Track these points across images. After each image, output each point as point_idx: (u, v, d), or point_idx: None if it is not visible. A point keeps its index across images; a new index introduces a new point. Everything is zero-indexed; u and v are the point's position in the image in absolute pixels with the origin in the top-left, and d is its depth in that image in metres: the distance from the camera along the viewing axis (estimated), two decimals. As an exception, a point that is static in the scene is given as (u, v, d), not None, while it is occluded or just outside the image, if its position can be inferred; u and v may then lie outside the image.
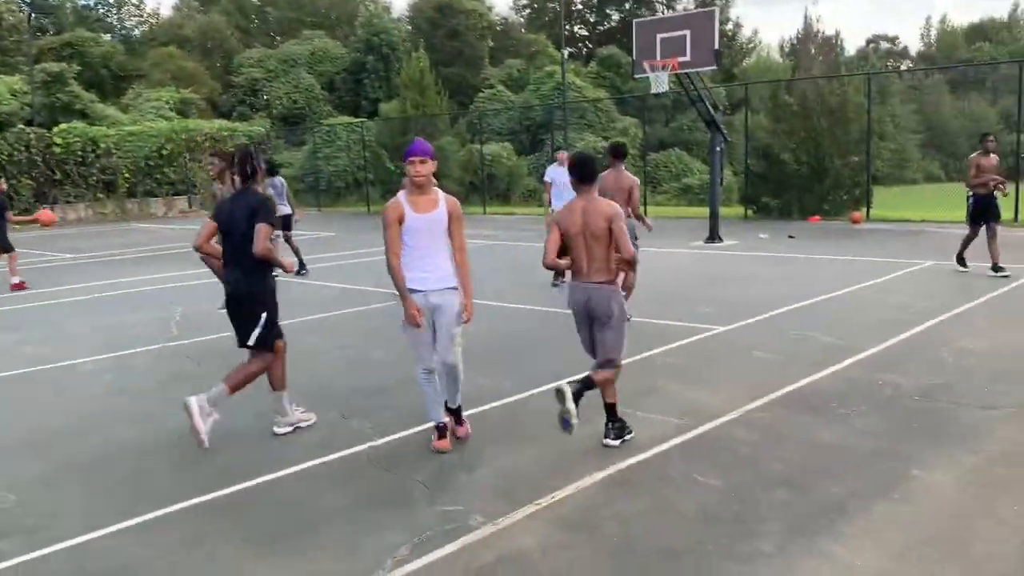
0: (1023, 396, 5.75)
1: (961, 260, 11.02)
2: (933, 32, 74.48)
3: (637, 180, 8.89)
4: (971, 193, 10.89)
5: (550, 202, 11.41)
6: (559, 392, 4.98)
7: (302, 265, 13.02)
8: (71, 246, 20.47)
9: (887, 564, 3.55)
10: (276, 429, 5.63)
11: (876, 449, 4.88)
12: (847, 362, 6.79)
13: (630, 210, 8.46)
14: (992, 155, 10.66)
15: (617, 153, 8.90)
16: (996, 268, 10.50)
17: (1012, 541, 3.71)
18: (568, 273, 5.45)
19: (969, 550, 3.65)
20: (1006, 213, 17.71)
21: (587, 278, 5.14)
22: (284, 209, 12.54)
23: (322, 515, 4.28)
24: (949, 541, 3.74)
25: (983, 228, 10.74)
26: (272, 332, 5.58)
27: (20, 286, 12.86)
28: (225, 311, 5.75)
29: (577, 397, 4.98)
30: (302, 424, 5.73)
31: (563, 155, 12.02)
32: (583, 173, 5.12)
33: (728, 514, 4.10)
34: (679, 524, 4.01)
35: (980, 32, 69.92)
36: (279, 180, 13.31)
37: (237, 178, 5.59)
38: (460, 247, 5.10)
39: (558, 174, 11.04)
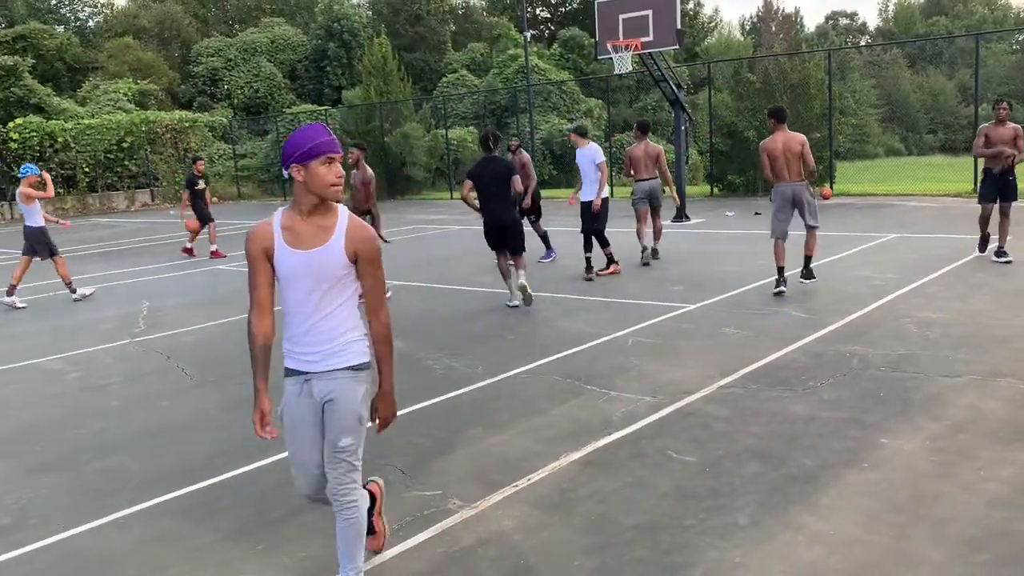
0: (984, 365, 5.89)
1: (982, 243, 10.01)
2: (891, 7, 75.31)
3: (662, 149, 11.50)
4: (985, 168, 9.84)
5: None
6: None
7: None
8: (31, 243, 20.08)
9: (859, 531, 3.63)
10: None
11: (845, 420, 4.97)
12: (815, 336, 6.90)
13: (658, 172, 11.43)
14: (1008, 124, 9.51)
15: (644, 128, 11.59)
16: (999, 252, 9.57)
17: (976, 504, 3.81)
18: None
19: (935, 514, 3.74)
20: (963, 183, 18.12)
21: (790, 180, 8.70)
22: None
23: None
24: (917, 506, 3.83)
25: (996, 206, 9.68)
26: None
27: (218, 254, 14.77)
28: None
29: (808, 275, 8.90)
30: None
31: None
32: (779, 115, 8.82)
33: (703, 489, 4.16)
34: (655, 501, 4.06)
35: (936, 7, 70.83)
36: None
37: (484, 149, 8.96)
38: (375, 307, 3.17)
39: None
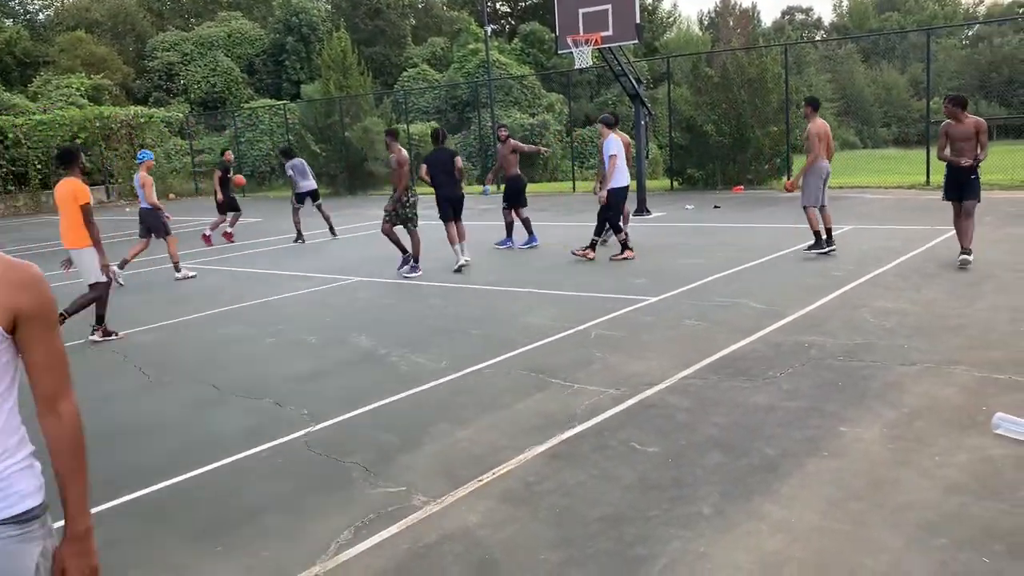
0: (939, 353, 6.00)
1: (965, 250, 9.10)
2: (845, 3, 76.45)
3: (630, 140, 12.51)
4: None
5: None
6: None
7: (332, 230, 15.79)
8: (-19, 242, 19.60)
9: (819, 519, 3.67)
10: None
11: (805, 409, 5.04)
12: (774, 327, 6.98)
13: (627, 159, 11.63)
14: (968, 119, 8.84)
15: (615, 122, 11.63)
16: (963, 250, 9.04)
17: (932, 489, 3.88)
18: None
19: (894, 500, 3.80)
20: (916, 175, 18.46)
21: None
22: (311, 184, 15.85)
23: (261, 505, 4.23)
24: (875, 493, 3.89)
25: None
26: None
27: (229, 236, 16.01)
28: None
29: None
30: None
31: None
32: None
33: (667, 480, 4.18)
34: (620, 492, 4.08)
35: (888, 3, 72.05)
36: (299, 161, 16.03)
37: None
38: (53, 395, 2.13)
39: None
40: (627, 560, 3.44)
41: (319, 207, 15.77)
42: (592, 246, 11.12)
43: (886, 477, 4.05)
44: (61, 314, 7.82)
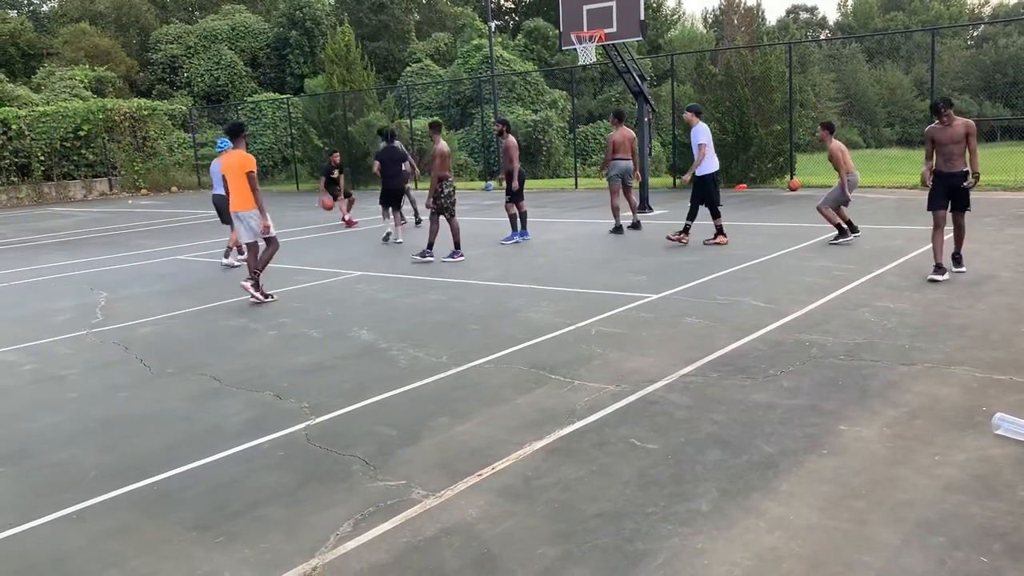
0: (940, 353, 6.00)
1: (938, 269, 8.40)
2: (849, 3, 76.26)
3: (634, 134, 13.61)
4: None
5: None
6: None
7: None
8: (-16, 233, 19.62)
9: (818, 517, 3.68)
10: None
11: (804, 407, 5.04)
12: (775, 325, 6.98)
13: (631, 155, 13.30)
14: (956, 121, 8.25)
15: (620, 116, 13.47)
16: (955, 259, 8.76)
17: (931, 488, 3.89)
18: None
19: (892, 499, 3.81)
20: (919, 176, 18.26)
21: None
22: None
23: (261, 497, 4.24)
24: (875, 491, 3.90)
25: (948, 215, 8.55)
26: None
27: (351, 223, 16.80)
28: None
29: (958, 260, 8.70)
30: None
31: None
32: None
33: (665, 476, 4.19)
34: (618, 488, 4.09)
35: (893, 2, 71.88)
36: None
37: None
38: None
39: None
40: (625, 555, 3.45)
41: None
42: (686, 230, 11.63)
43: (885, 475, 4.06)
44: (252, 276, 9.22)
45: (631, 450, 4.55)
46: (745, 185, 19.80)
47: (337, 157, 17.50)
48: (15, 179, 29.58)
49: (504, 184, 12.97)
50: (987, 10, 70.27)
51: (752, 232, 12.65)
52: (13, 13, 45.71)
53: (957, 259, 8.79)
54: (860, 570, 3.25)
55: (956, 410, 4.86)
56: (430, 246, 11.52)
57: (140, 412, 5.72)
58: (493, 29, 29.39)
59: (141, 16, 46.77)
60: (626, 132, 13.38)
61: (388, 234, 13.89)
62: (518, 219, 13.04)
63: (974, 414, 4.78)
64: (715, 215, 11.64)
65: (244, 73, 41.57)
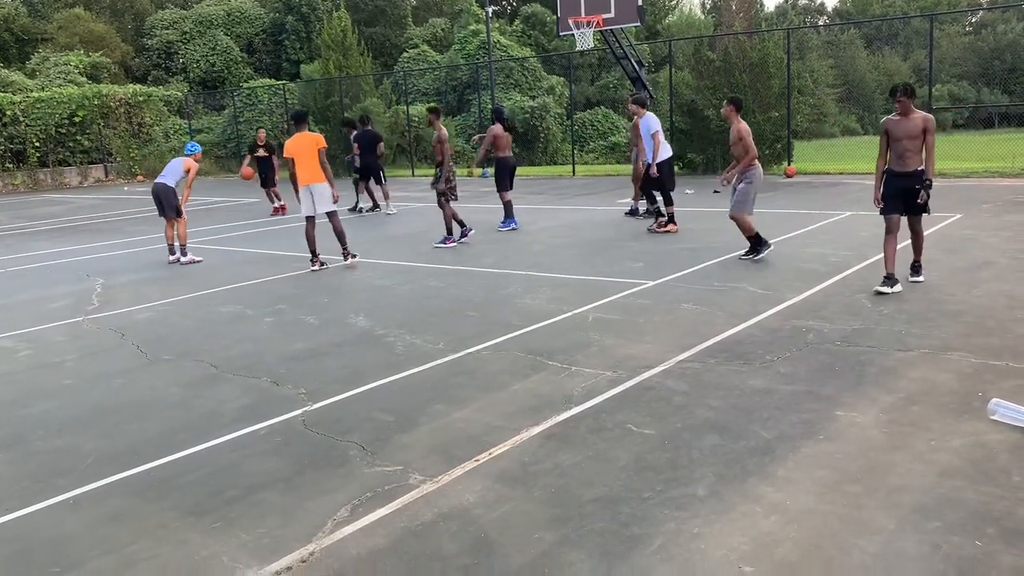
0: (936, 339, 6.01)
1: (888, 280, 7.43)
2: (849, -12, 75.92)
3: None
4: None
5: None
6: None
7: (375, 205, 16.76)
8: (-21, 219, 19.57)
9: (814, 502, 3.69)
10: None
11: (801, 393, 5.05)
12: (772, 311, 6.98)
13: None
14: (914, 114, 7.38)
15: (642, 103, 12.25)
16: (914, 267, 7.83)
17: (927, 473, 3.90)
18: None
19: (889, 484, 3.82)
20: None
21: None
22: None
23: (258, 482, 4.24)
24: (870, 476, 3.91)
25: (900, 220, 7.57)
26: None
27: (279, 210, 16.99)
28: None
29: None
30: None
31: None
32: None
33: (662, 461, 4.20)
34: (615, 473, 4.09)
35: (893, -12, 71.55)
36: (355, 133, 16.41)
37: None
38: None
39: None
40: (622, 540, 3.46)
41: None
42: (670, 219, 11.70)
43: (881, 461, 4.07)
44: (346, 254, 10.44)
45: (628, 435, 4.55)
46: (742, 172, 19.75)
47: (263, 134, 17.63)
48: (10, 165, 29.47)
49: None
50: (986, -4, 70.06)
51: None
52: (7, -2, 45.37)
53: (915, 267, 7.79)
54: (856, 554, 3.26)
55: (952, 396, 4.87)
56: (463, 226, 11.81)
57: (136, 398, 5.71)
58: (491, 14, 29.24)
59: (136, 1, 46.48)
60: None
61: (360, 207, 16.24)
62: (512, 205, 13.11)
63: (970, 400, 4.79)
64: (668, 202, 11.77)
65: (240, 59, 41.37)
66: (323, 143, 10.31)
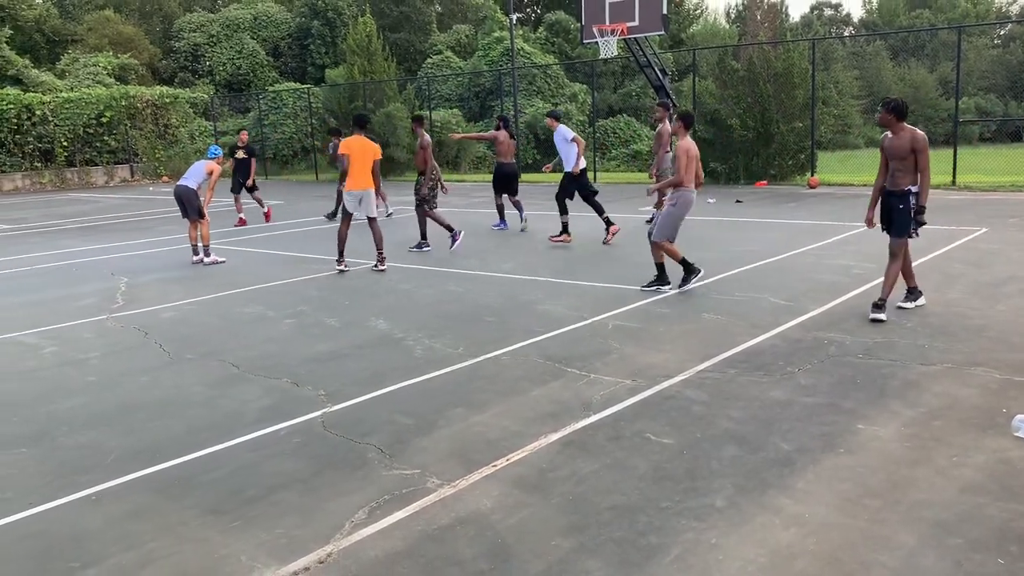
0: (959, 353, 5.95)
1: (876, 303, 7.03)
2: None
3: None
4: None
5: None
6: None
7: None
8: (8, 216, 19.84)
9: (834, 515, 3.66)
10: None
11: (822, 405, 5.02)
12: (793, 323, 6.94)
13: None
14: (904, 131, 6.90)
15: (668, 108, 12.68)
16: (876, 306, 7.00)
17: (949, 489, 3.86)
18: None
19: (910, 498, 3.79)
20: (942, 175, 18.17)
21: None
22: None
23: (277, 482, 4.27)
24: (891, 491, 3.87)
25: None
26: None
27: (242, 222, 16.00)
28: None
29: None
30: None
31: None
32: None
33: (680, 471, 4.18)
34: (633, 482, 4.08)
35: (919, 0, 71.06)
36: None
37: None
38: None
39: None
40: (639, 549, 3.45)
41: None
42: (565, 228, 12.09)
43: (902, 475, 4.03)
44: (382, 259, 10.53)
45: (646, 444, 4.54)
46: (766, 182, 19.68)
47: (245, 136, 16.71)
48: (38, 164, 29.86)
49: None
50: (1015, 8, 69.39)
51: (771, 229, 12.57)
52: (39, 0, 46.04)
53: (877, 304, 7.00)
54: (876, 569, 3.23)
55: (975, 411, 4.82)
56: (452, 230, 11.89)
57: (159, 396, 5.77)
58: (514, 21, 29.32)
59: (165, 4, 47.03)
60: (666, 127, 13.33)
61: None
62: (521, 204, 13.87)
63: (994, 416, 4.74)
64: (563, 211, 12.10)
65: (266, 63, 41.74)
66: (380, 154, 10.50)
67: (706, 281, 8.76)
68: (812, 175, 19.49)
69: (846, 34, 66.93)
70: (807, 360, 5.91)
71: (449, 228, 11.82)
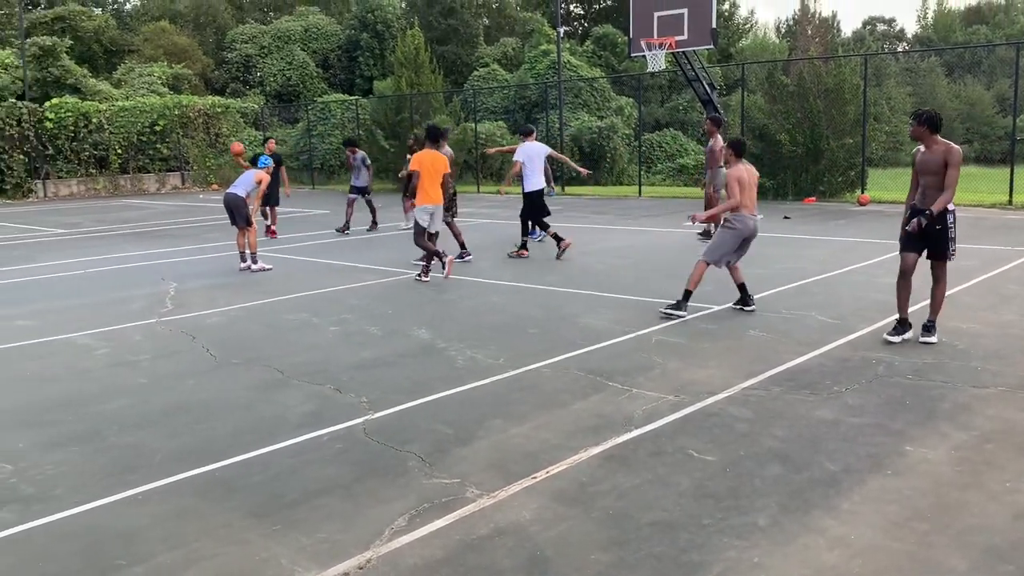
0: (1012, 376, 5.79)
1: (899, 326, 6.88)
2: (930, 14, 74.28)
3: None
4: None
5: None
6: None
7: (374, 223, 16.25)
8: (64, 221, 20.37)
9: (880, 538, 3.58)
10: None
11: (870, 425, 4.92)
12: (841, 341, 6.82)
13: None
14: (938, 144, 6.61)
15: (718, 123, 12.91)
16: (927, 328, 6.83)
17: (1001, 514, 3.75)
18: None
19: (959, 523, 3.69)
20: (999, 194, 17.75)
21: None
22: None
23: (318, 487, 4.30)
24: (940, 515, 3.78)
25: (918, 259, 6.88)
26: None
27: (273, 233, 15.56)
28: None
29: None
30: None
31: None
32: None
33: (723, 489, 4.13)
34: (675, 498, 4.04)
35: (977, 15, 69.75)
36: (360, 154, 16.31)
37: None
38: None
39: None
40: (679, 565, 3.41)
41: (369, 201, 16.36)
42: (523, 245, 12.23)
43: (953, 499, 3.93)
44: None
45: (688, 461, 4.49)
46: (814, 198, 19.42)
47: (273, 144, 16.36)
48: (93, 171, 30.61)
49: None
50: (1075, 25, 67.70)
51: (819, 246, 12.39)
52: (99, 11, 47.41)
53: (928, 327, 6.80)
54: (924, 595, 3.15)
55: (1030, 436, 4.68)
56: (462, 247, 11.95)
57: (205, 399, 5.86)
58: (562, 35, 29.40)
59: (218, 16, 48.09)
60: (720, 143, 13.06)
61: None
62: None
63: (1049, 441, 4.60)
64: (526, 231, 12.36)
65: (315, 74, 42.38)
66: (449, 167, 10.36)
67: (753, 297, 8.64)
68: (862, 192, 19.18)
69: (899, 49, 65.89)
70: (855, 380, 5.81)
71: (462, 245, 11.92)
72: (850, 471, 4.28)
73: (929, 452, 4.50)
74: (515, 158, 12.20)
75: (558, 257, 11.76)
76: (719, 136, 12.89)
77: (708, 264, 8.03)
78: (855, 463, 4.38)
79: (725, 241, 8.05)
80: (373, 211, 16.32)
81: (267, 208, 15.68)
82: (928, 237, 6.71)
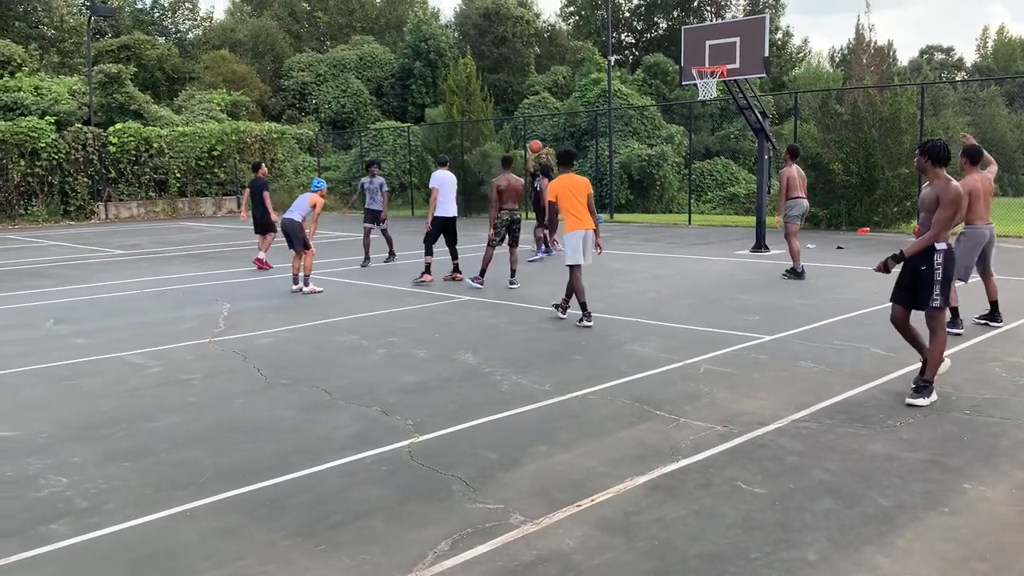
0: (1080, 413, 5.58)
1: (915, 385, 6.03)
2: (990, 43, 72.93)
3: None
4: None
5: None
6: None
7: (391, 254, 15.91)
8: (124, 243, 20.93)
9: (935, 577, 3.47)
10: None
11: (925, 461, 4.78)
12: (895, 374, 6.66)
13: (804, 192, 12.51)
14: (935, 180, 6.05)
15: (795, 153, 12.70)
16: (919, 388, 5.95)
17: (1067, 559, 3.61)
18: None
19: (1020, 564, 3.55)
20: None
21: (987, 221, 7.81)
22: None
23: (362, 509, 4.31)
24: (999, 555, 3.64)
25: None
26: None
27: (265, 264, 14.91)
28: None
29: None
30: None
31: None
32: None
33: (772, 522, 4.04)
34: (721, 530, 3.96)
35: (1039, 44, 68.24)
36: (379, 180, 15.56)
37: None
38: None
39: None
40: (726, 600, 3.34)
41: (384, 230, 15.61)
42: (427, 268, 12.62)
43: (1013, 540, 3.79)
44: (565, 303, 9.67)
45: (736, 493, 4.41)
46: (868, 228, 19.08)
47: (264, 169, 15.94)
48: (152, 194, 31.47)
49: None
50: None
51: (873, 277, 12.13)
52: (162, 40, 48.99)
53: (917, 388, 5.94)
54: (982, 639, 3.03)
55: (1096, 477, 4.50)
56: (512, 272, 12.15)
57: (254, 419, 5.93)
58: (612, 63, 29.50)
59: (276, 44, 49.33)
60: (801, 171, 12.61)
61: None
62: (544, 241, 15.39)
63: (1117, 482, 4.41)
64: (429, 252, 12.69)
65: (369, 101, 43.16)
66: (591, 188, 9.35)
67: (804, 328, 8.50)
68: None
69: (958, 79, 64.71)
70: (910, 414, 5.65)
71: (483, 271, 11.96)
72: (904, 508, 4.15)
73: (988, 490, 4.35)
74: (431, 184, 12.97)
75: (413, 283, 12.37)
76: (794, 165, 12.41)
77: (958, 282, 7.58)
78: (909, 499, 4.25)
79: (966, 253, 8.16)
80: (389, 241, 15.72)
81: (262, 236, 15.31)
82: (916, 281, 6.00)
